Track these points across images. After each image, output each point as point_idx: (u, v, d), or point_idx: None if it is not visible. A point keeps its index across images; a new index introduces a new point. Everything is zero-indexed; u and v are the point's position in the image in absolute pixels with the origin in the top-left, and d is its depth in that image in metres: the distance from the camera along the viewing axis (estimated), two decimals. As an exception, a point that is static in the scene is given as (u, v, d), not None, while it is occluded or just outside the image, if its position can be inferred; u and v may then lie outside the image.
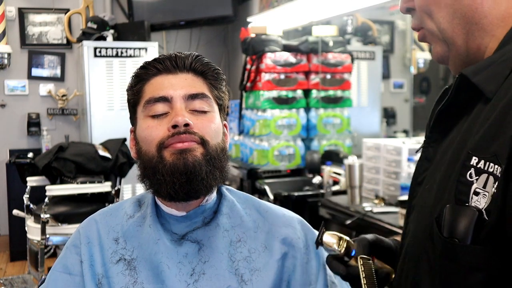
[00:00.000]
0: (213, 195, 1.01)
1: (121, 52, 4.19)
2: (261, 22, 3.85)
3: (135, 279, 0.93)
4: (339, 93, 3.61)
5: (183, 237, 0.96)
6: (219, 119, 0.99)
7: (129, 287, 0.93)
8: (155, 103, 0.95)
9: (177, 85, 0.96)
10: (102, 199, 3.36)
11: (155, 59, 1.00)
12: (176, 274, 0.92)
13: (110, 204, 1.09)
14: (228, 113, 3.83)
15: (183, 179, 0.91)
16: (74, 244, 0.99)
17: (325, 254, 1.01)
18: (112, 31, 4.34)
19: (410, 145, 2.56)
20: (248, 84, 3.58)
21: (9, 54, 4.49)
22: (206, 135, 0.94)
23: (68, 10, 4.66)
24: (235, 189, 1.08)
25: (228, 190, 1.06)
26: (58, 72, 4.75)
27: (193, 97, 0.96)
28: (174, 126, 0.92)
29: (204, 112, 0.96)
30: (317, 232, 1.03)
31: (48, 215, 3.10)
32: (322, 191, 3.00)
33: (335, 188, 3.02)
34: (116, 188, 3.46)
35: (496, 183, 0.60)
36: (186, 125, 0.92)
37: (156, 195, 0.98)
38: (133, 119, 1.02)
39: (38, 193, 3.42)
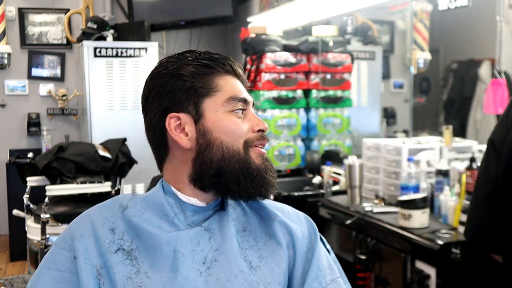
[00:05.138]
0: None
1: (121, 52, 4.19)
2: (261, 22, 3.85)
3: (138, 269, 0.92)
4: (339, 93, 3.61)
5: (197, 225, 0.98)
6: None
7: (131, 276, 0.92)
8: (238, 102, 1.00)
9: (244, 90, 1.03)
10: (102, 199, 3.35)
11: (215, 57, 1.01)
12: (190, 262, 0.93)
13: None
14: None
15: (275, 182, 1.00)
16: (64, 240, 0.97)
17: (319, 239, 1.04)
18: (112, 31, 4.34)
19: (410, 145, 2.56)
20: (248, 84, 3.58)
21: (9, 54, 4.49)
22: None
23: (68, 10, 4.66)
24: None
25: None
26: (58, 72, 4.75)
27: (253, 104, 1.04)
28: (260, 130, 1.00)
29: None
30: (311, 220, 1.07)
31: (48, 215, 3.10)
32: (322, 191, 3.00)
33: (335, 188, 3.02)
34: (116, 188, 3.46)
35: None
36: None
37: (225, 191, 0.98)
38: (188, 105, 0.97)
39: (38, 193, 3.41)
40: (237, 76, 1.03)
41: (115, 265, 0.92)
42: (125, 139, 3.69)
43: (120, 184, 3.61)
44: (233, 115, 0.99)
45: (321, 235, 1.10)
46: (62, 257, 0.95)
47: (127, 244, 0.95)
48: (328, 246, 1.09)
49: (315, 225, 1.08)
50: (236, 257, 0.95)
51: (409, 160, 2.44)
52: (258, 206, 1.05)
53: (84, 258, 0.93)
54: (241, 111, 1.00)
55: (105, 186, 3.29)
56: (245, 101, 1.01)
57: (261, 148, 1.01)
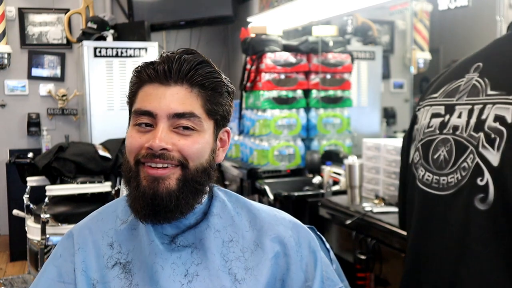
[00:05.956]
0: (204, 197, 1.00)
1: (121, 52, 4.19)
2: (261, 22, 3.85)
3: (130, 282, 0.94)
4: (339, 93, 3.61)
5: (174, 241, 0.96)
6: (209, 137, 0.95)
7: None
8: (140, 116, 0.93)
9: (165, 100, 0.91)
10: (102, 199, 3.36)
11: (152, 62, 0.95)
12: (170, 274, 0.93)
13: (100, 208, 1.07)
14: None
15: (148, 210, 0.91)
16: (68, 252, 0.98)
17: (319, 249, 1.01)
18: (112, 31, 4.34)
19: (410, 145, 2.56)
20: (248, 84, 3.58)
21: (9, 54, 4.49)
22: (187, 157, 0.92)
23: (68, 10, 4.67)
24: (227, 190, 1.08)
25: (219, 190, 1.05)
26: (58, 72, 4.75)
27: (179, 115, 0.91)
28: (150, 148, 0.91)
29: (191, 130, 0.93)
30: (308, 230, 1.04)
31: (48, 215, 3.10)
32: (322, 191, 3.00)
33: (335, 188, 3.02)
34: (116, 188, 3.46)
35: None
36: (163, 149, 0.90)
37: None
38: (130, 117, 1.01)
39: (38, 193, 3.41)
40: (168, 81, 0.92)
41: (111, 280, 0.94)
42: (125, 139, 3.68)
43: (120, 184, 3.61)
44: (135, 129, 0.94)
45: (320, 234, 1.09)
46: (68, 269, 0.97)
47: (123, 257, 0.96)
48: (328, 246, 1.09)
49: (311, 233, 1.05)
50: (218, 272, 0.94)
51: (409, 160, 2.44)
52: (248, 213, 1.02)
53: (81, 270, 0.95)
54: (147, 126, 0.93)
55: (105, 186, 3.29)
56: (149, 114, 0.92)
57: (150, 168, 0.91)
